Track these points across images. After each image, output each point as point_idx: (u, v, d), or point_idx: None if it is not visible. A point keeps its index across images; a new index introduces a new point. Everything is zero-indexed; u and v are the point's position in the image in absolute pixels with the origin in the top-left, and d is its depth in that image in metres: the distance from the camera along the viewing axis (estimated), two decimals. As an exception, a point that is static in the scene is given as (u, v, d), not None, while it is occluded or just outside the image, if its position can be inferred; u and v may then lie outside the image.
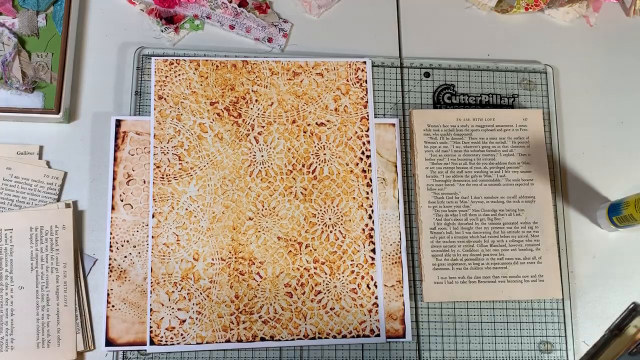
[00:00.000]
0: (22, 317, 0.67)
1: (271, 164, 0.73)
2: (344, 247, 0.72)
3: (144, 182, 0.71)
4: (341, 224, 0.73)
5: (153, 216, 0.70)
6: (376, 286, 0.72)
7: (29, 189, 0.70)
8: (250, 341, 0.69)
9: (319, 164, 0.74)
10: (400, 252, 0.73)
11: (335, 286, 0.71)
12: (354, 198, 0.74)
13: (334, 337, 0.70)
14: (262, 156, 0.73)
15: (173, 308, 0.68)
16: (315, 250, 0.72)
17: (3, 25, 0.73)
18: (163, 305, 0.68)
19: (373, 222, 0.73)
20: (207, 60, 0.75)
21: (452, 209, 0.75)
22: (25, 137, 0.73)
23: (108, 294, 0.68)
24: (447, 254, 0.73)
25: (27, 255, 0.68)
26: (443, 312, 0.72)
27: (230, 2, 0.79)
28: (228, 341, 0.68)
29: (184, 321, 0.68)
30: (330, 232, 0.72)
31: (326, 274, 0.71)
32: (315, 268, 0.71)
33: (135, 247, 0.70)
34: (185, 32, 0.79)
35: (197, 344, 0.68)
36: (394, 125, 0.77)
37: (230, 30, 0.79)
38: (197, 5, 0.78)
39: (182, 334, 0.68)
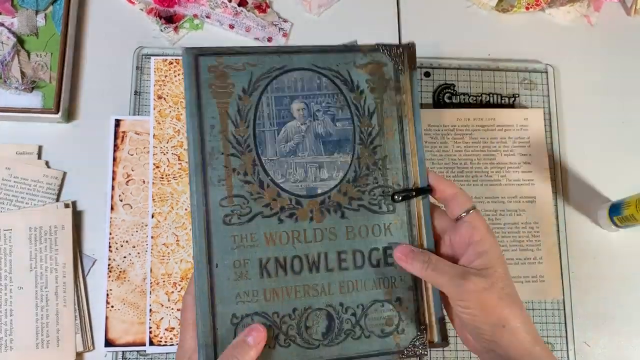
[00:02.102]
0: (21, 317, 0.67)
1: (271, 163, 0.74)
2: (344, 247, 0.73)
3: (144, 182, 0.71)
4: (341, 224, 0.73)
5: (152, 216, 0.70)
6: (376, 286, 0.72)
7: (28, 189, 0.70)
8: (250, 342, 0.68)
9: (319, 164, 0.75)
10: (401, 252, 0.73)
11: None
12: (354, 198, 0.74)
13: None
14: (262, 156, 0.74)
15: (172, 308, 0.68)
16: (315, 250, 0.72)
17: (2, 25, 0.73)
18: (162, 305, 0.68)
19: (373, 222, 0.74)
20: (206, 59, 0.75)
21: (453, 209, 0.75)
22: (24, 137, 0.73)
23: (107, 295, 0.68)
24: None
25: (26, 256, 0.68)
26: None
27: (230, 1, 0.79)
28: (228, 342, 0.68)
29: (184, 321, 0.68)
30: (330, 232, 0.73)
31: (326, 274, 0.72)
32: (315, 268, 0.72)
33: (134, 247, 0.70)
34: (184, 32, 0.79)
35: (197, 344, 0.67)
36: (394, 125, 0.77)
37: (230, 29, 0.79)
38: (196, 4, 0.78)
39: (181, 335, 0.67)
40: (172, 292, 0.68)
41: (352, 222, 0.57)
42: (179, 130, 0.72)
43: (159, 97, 0.73)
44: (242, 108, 0.56)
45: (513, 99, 0.80)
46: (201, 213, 0.54)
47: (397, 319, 0.57)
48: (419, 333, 0.57)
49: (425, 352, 0.57)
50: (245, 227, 0.54)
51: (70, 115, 0.74)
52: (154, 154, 0.71)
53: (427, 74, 0.79)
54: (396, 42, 0.65)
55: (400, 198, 0.57)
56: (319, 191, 0.56)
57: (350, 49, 0.60)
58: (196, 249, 0.53)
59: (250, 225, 0.55)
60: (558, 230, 0.75)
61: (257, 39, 0.79)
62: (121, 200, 0.71)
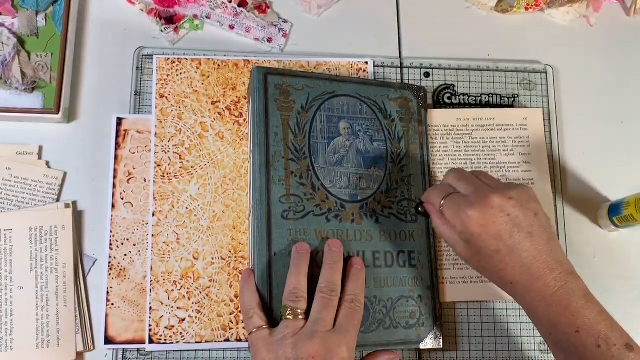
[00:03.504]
0: (21, 317, 0.66)
1: (271, 163, 0.74)
2: (345, 246, 0.74)
3: (145, 180, 0.71)
4: (341, 224, 0.74)
5: (153, 214, 0.70)
6: (376, 286, 0.72)
7: (28, 189, 0.70)
8: (251, 341, 0.69)
9: (319, 164, 0.76)
10: (401, 252, 0.74)
11: (336, 285, 0.72)
12: (354, 197, 0.75)
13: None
14: (262, 155, 0.74)
15: (172, 307, 0.68)
16: (315, 249, 0.73)
17: (2, 25, 0.73)
18: (162, 303, 0.68)
19: (373, 221, 0.75)
20: (208, 59, 0.75)
21: (453, 209, 0.75)
22: (25, 137, 0.73)
23: (107, 292, 0.68)
24: (449, 254, 0.73)
25: (27, 256, 0.68)
26: (443, 312, 0.72)
27: (230, 2, 0.79)
28: (227, 340, 0.68)
29: (184, 320, 0.68)
30: (331, 231, 0.74)
31: (326, 273, 0.72)
32: (315, 267, 0.72)
33: (135, 245, 0.70)
34: (184, 32, 0.79)
35: (197, 342, 0.67)
36: (394, 124, 0.79)
37: (230, 30, 0.79)
38: (196, 5, 0.78)
39: (181, 333, 0.67)
40: (172, 290, 0.68)
41: (384, 227, 0.67)
42: (180, 129, 0.72)
43: (161, 96, 0.73)
44: (300, 121, 0.67)
45: (512, 99, 0.80)
46: (263, 207, 0.62)
47: (418, 313, 0.66)
48: (434, 327, 0.66)
49: (441, 346, 0.67)
50: (299, 223, 0.63)
51: (70, 115, 0.74)
52: (155, 153, 0.71)
53: (426, 75, 0.80)
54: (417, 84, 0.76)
55: (421, 210, 0.66)
56: (359, 198, 0.67)
57: (385, 84, 0.73)
58: (258, 238, 0.62)
59: (304, 221, 0.63)
60: (557, 230, 0.75)
61: (257, 39, 0.79)
62: (122, 199, 0.71)
